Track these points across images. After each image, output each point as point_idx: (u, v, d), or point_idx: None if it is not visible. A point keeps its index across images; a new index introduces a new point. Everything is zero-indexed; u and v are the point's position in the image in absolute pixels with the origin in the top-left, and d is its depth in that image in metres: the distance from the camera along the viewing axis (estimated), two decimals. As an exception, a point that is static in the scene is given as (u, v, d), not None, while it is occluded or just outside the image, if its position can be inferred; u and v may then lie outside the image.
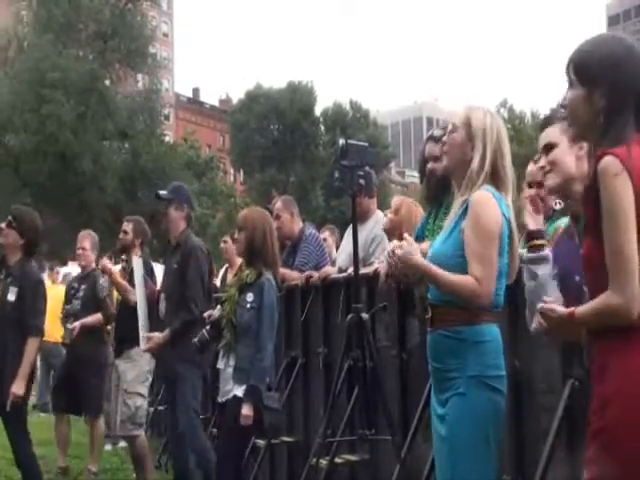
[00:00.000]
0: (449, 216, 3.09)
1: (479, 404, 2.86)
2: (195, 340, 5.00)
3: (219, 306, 4.87)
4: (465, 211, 2.95)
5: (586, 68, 2.25)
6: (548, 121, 2.88)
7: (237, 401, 4.55)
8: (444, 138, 3.17)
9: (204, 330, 4.98)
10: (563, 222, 4.01)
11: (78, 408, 7.13)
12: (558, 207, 4.10)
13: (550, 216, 4.04)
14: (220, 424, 4.83)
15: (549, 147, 2.78)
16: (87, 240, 7.20)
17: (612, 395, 2.09)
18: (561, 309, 2.23)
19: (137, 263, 6.00)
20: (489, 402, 2.88)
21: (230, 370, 4.65)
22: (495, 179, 3.00)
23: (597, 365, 2.17)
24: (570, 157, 2.71)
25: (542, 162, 2.83)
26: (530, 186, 4.05)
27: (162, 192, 5.86)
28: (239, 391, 4.56)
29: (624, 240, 2.08)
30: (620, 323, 2.09)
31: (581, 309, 2.18)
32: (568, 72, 2.29)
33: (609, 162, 2.11)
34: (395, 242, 3.05)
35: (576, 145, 2.63)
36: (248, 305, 4.63)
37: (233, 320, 4.66)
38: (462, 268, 2.89)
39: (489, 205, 2.92)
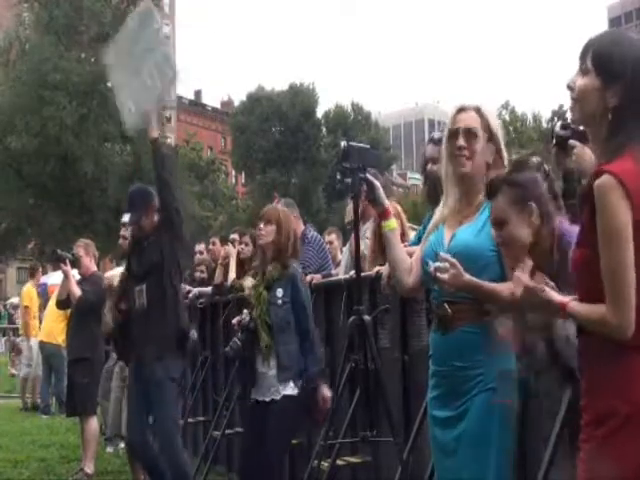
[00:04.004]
0: (465, 209, 3.05)
1: (508, 398, 2.86)
2: (227, 349, 4.94)
3: (245, 310, 4.81)
4: None
5: (607, 60, 2.18)
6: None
7: (288, 400, 4.49)
8: (460, 142, 3.09)
9: (235, 337, 4.90)
10: None
11: (74, 408, 7.17)
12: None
13: None
14: (260, 424, 4.66)
15: (499, 222, 2.74)
16: (81, 248, 7.23)
17: (607, 413, 2.09)
18: (555, 295, 2.22)
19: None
20: (514, 396, 2.88)
21: (272, 373, 4.57)
22: None
23: (589, 378, 2.17)
24: (523, 230, 2.70)
25: (496, 238, 2.80)
26: None
27: None
28: (287, 390, 4.51)
29: (621, 263, 2.06)
30: (615, 337, 2.08)
31: (576, 307, 2.17)
32: (584, 57, 2.23)
33: (606, 181, 2.07)
34: (435, 264, 2.90)
35: (525, 213, 2.64)
36: (280, 301, 4.56)
37: (267, 320, 4.57)
38: (494, 261, 2.89)
39: None
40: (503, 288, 2.80)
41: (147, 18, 5.39)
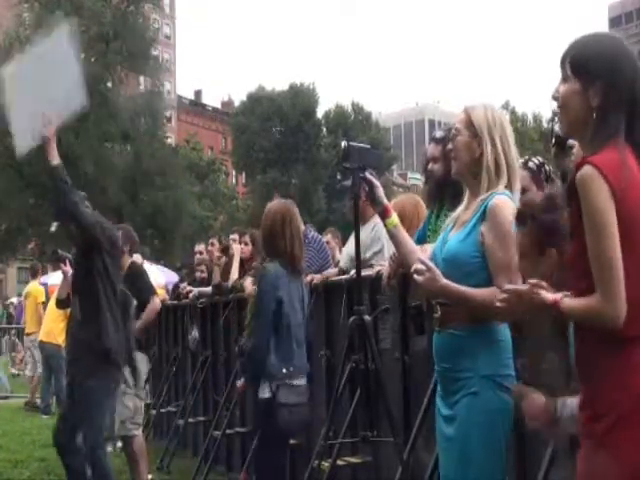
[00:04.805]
0: (465, 213, 3.03)
1: (492, 403, 2.85)
2: (237, 349, 5.02)
3: None
4: (484, 212, 2.90)
5: (583, 63, 2.23)
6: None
7: (262, 403, 4.41)
8: (449, 145, 3.15)
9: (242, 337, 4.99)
10: None
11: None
12: None
13: None
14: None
15: (521, 255, 2.67)
16: None
17: (606, 408, 2.09)
18: (546, 295, 2.20)
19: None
20: (501, 401, 2.86)
21: None
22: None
23: (587, 375, 2.17)
24: (539, 266, 2.61)
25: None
26: None
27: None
28: (264, 393, 4.49)
29: (607, 251, 2.07)
30: (608, 328, 2.09)
31: (568, 303, 2.16)
32: (564, 65, 2.27)
33: (588, 172, 2.09)
34: (415, 266, 2.90)
35: (545, 256, 2.58)
36: None
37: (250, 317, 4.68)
38: (479, 268, 2.87)
39: (509, 212, 2.83)
40: (475, 292, 2.81)
41: (59, 40, 5.09)
